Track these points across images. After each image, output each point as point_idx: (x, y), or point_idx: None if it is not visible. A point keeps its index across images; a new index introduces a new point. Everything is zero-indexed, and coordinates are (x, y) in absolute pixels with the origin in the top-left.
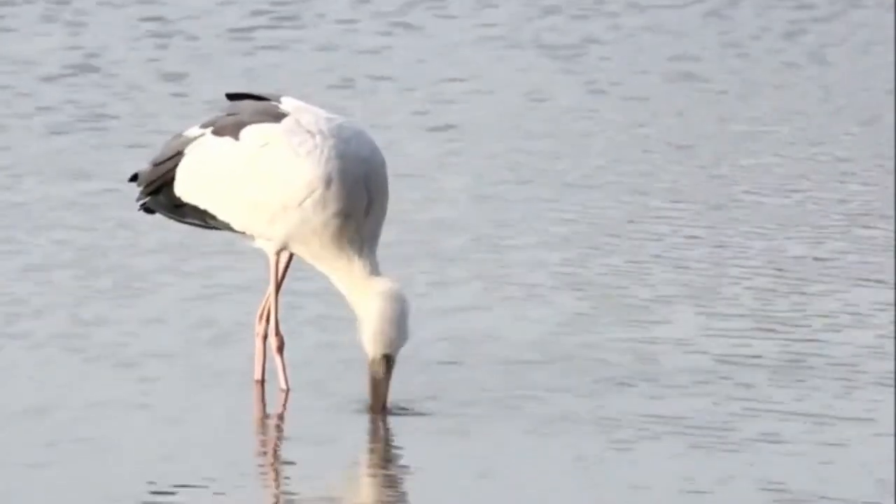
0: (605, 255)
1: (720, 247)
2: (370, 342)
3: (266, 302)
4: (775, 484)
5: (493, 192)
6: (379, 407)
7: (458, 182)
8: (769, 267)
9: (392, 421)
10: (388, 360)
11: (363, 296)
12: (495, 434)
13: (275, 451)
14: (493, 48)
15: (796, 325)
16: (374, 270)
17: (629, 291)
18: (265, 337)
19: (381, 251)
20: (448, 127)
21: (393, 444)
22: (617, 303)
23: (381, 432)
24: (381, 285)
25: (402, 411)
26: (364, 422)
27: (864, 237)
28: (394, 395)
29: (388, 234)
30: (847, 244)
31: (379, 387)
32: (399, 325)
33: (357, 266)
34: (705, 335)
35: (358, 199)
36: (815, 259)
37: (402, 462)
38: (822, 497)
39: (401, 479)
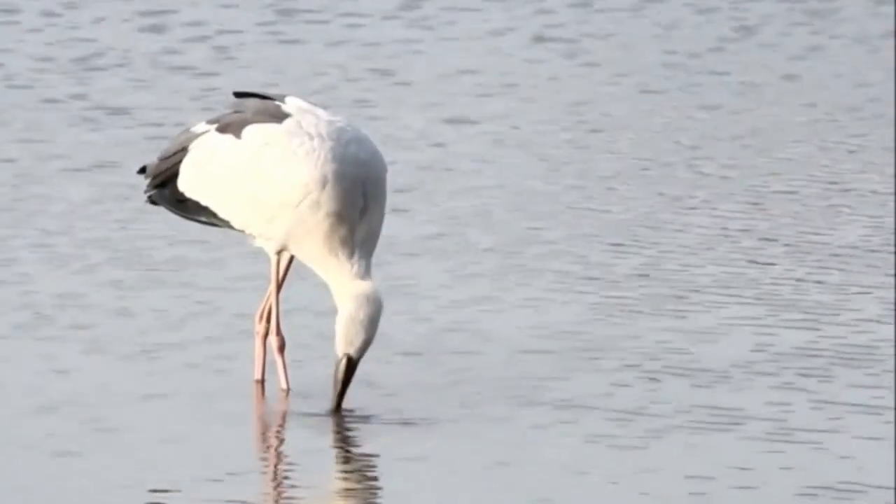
0: (636, 247)
1: (751, 238)
2: (336, 339)
3: (266, 301)
4: (799, 474)
5: (518, 184)
6: (335, 407)
7: (481, 174)
8: (803, 257)
9: (397, 420)
10: (350, 362)
11: (344, 296)
12: (511, 427)
13: (276, 452)
14: (499, 43)
15: (829, 316)
16: (363, 275)
17: (662, 283)
18: (265, 336)
19: (405, 245)
20: (466, 120)
21: (398, 443)
22: (649, 294)
23: (385, 431)
24: (360, 287)
25: (404, 417)
26: (366, 422)
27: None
28: (400, 393)
29: (412, 226)
30: (881, 236)
31: (336, 386)
32: (365, 328)
33: (345, 268)
34: (737, 326)
35: (353, 202)
36: (851, 249)
37: (407, 460)
38: (851, 485)
39: (406, 477)
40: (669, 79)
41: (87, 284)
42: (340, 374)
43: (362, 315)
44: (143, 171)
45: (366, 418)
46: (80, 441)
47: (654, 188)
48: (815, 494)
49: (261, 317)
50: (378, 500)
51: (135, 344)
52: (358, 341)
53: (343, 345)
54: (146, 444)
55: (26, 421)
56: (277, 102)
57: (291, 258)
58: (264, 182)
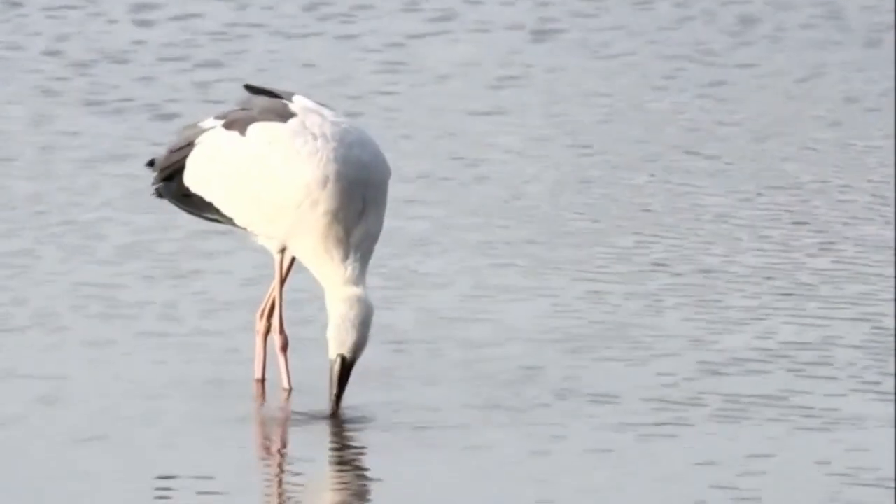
0: (671, 238)
1: (774, 228)
2: (329, 341)
3: (268, 300)
4: (824, 463)
5: (549, 175)
6: (332, 409)
7: (512, 163)
8: (827, 246)
9: (405, 417)
10: (343, 363)
11: (335, 299)
12: (532, 418)
13: (279, 453)
14: (507, 35)
15: (851, 307)
16: (357, 280)
17: (699, 273)
18: (266, 335)
19: (423, 234)
20: (495, 111)
21: (404, 439)
22: (684, 283)
23: (392, 428)
24: (351, 291)
25: (414, 411)
26: (372, 419)
27: None
28: (413, 387)
29: (445, 215)
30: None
31: (331, 388)
32: (356, 328)
33: (339, 271)
34: (772, 317)
35: (352, 203)
36: (875, 240)
37: (413, 456)
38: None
39: (412, 475)
40: (679, 70)
41: (93, 278)
42: (335, 375)
43: (353, 315)
44: (151, 163)
45: (372, 414)
46: (81, 436)
47: (672, 178)
48: (853, 484)
49: (261, 314)
50: (383, 499)
51: (137, 340)
52: (350, 341)
53: (336, 345)
54: (146, 442)
55: (32, 413)
56: (285, 101)
57: (294, 258)
58: (268, 181)
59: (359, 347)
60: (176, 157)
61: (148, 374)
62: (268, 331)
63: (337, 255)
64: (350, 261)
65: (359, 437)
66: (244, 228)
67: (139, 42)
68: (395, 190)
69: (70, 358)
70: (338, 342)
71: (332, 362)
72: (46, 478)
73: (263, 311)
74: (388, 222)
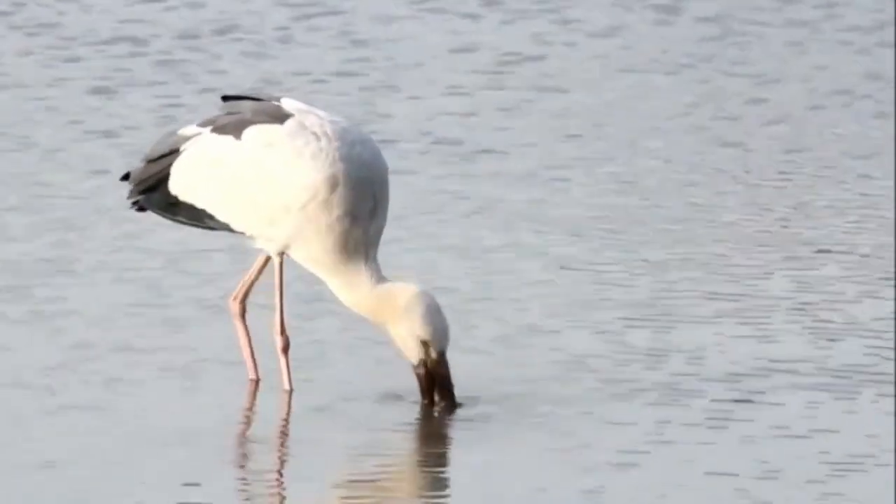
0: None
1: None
2: (430, 342)
3: (243, 285)
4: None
5: (612, 168)
6: (453, 403)
7: (572, 149)
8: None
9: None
10: (443, 355)
11: (382, 306)
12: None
13: (279, 456)
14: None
15: None
16: (380, 278)
17: (732, 259)
18: (241, 315)
19: (505, 217)
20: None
21: (418, 445)
22: (726, 272)
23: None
24: (406, 290)
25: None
26: (375, 423)
27: None
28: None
29: (502, 198)
30: None
31: (446, 383)
32: (442, 314)
33: (364, 275)
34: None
35: (364, 202)
36: None
37: (426, 454)
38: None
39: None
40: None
41: (96, 274)
42: (445, 371)
43: (435, 304)
44: (126, 177)
45: (372, 423)
46: (81, 433)
47: (743, 169)
48: None
49: (234, 297)
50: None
51: (137, 341)
52: (445, 327)
53: (437, 345)
54: (144, 447)
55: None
56: (275, 103)
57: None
58: (268, 184)
59: (449, 332)
60: (157, 166)
61: (145, 379)
62: (243, 311)
63: (358, 258)
64: (370, 258)
65: (364, 441)
66: (241, 233)
67: (143, 39)
68: (477, 164)
69: (67, 356)
70: (437, 336)
71: (434, 362)
72: (45, 472)
73: (237, 294)
74: (454, 203)
